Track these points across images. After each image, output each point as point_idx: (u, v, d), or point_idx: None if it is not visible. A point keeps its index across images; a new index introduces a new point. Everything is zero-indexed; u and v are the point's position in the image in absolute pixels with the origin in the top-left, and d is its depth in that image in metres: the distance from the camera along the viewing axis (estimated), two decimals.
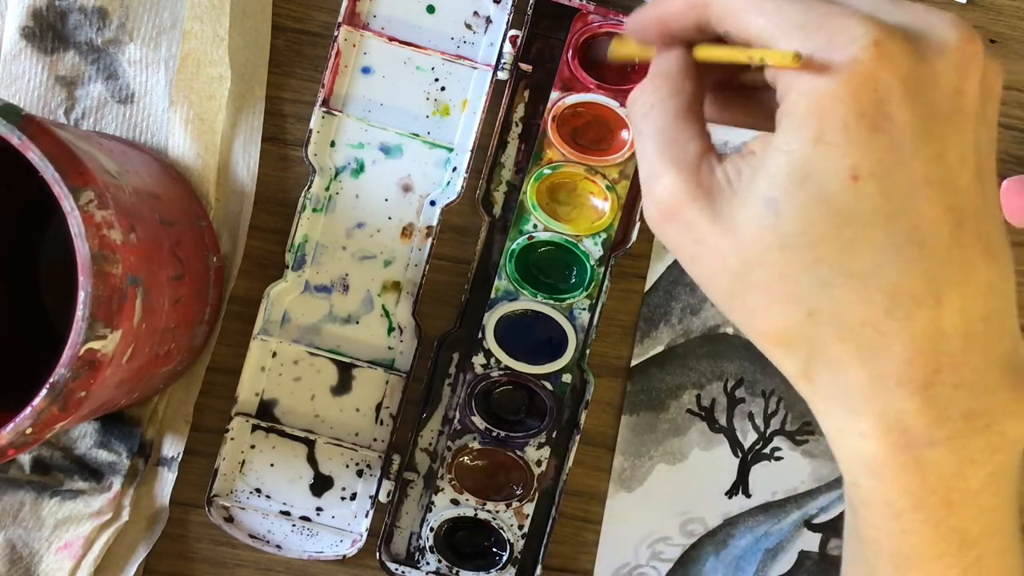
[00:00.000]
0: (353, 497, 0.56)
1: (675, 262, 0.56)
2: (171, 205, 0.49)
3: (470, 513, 0.55)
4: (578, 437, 0.55)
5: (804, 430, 0.57)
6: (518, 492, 0.55)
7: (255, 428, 0.55)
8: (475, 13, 0.54)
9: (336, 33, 0.53)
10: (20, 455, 0.54)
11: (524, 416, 0.55)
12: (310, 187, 0.54)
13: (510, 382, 0.55)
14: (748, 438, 0.57)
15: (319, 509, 0.56)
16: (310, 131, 0.54)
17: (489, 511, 0.55)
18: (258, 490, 0.56)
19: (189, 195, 0.53)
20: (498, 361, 0.54)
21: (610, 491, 0.57)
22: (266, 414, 0.55)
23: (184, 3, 0.52)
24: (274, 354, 0.55)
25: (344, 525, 0.56)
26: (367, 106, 0.55)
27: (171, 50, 0.53)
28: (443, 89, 0.55)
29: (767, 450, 0.57)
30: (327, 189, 0.55)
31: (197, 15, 0.52)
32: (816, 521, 0.57)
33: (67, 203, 0.40)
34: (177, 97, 0.53)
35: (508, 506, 0.55)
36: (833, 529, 0.57)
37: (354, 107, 0.55)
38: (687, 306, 0.56)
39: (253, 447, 0.55)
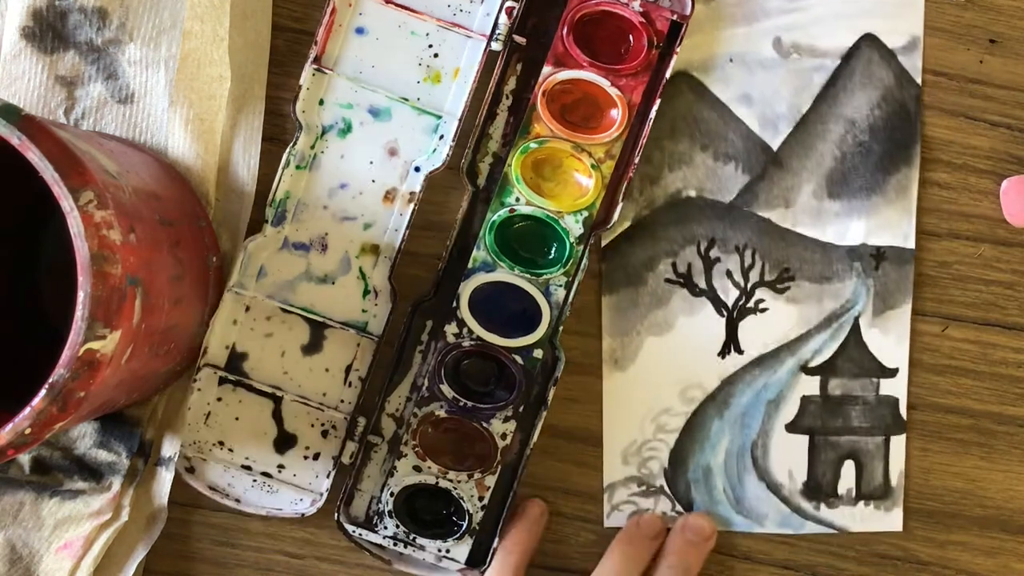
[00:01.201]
0: (316, 457, 0.56)
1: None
2: (171, 205, 0.49)
3: (432, 481, 0.55)
4: (545, 413, 0.55)
5: (784, 277, 0.57)
6: (481, 464, 0.55)
7: (223, 381, 0.55)
8: None
9: None
10: (19, 455, 0.54)
11: (493, 388, 0.55)
12: (295, 143, 0.54)
13: (481, 353, 0.54)
14: (730, 296, 0.57)
15: (281, 466, 0.56)
16: (299, 87, 0.53)
17: (451, 480, 0.55)
18: (221, 443, 0.55)
19: (189, 195, 0.53)
20: (470, 331, 0.54)
21: (604, 373, 0.57)
22: (234, 367, 0.55)
23: (184, 3, 0.52)
24: (247, 308, 0.55)
25: (305, 484, 0.56)
26: (359, 67, 0.54)
27: (171, 50, 0.53)
28: (436, 56, 0.54)
29: (751, 304, 0.57)
30: (312, 147, 0.54)
31: (197, 15, 0.52)
32: (812, 365, 0.57)
33: (67, 203, 0.40)
34: (177, 97, 0.53)
35: (470, 477, 0.55)
36: (830, 369, 0.57)
37: (345, 67, 0.54)
38: (645, 176, 0.56)
39: (220, 400, 0.55)
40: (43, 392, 0.40)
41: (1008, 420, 0.58)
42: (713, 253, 0.56)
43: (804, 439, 0.57)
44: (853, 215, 0.56)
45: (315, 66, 0.54)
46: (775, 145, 0.56)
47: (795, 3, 0.55)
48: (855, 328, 0.57)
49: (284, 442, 0.56)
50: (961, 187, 0.57)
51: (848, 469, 0.58)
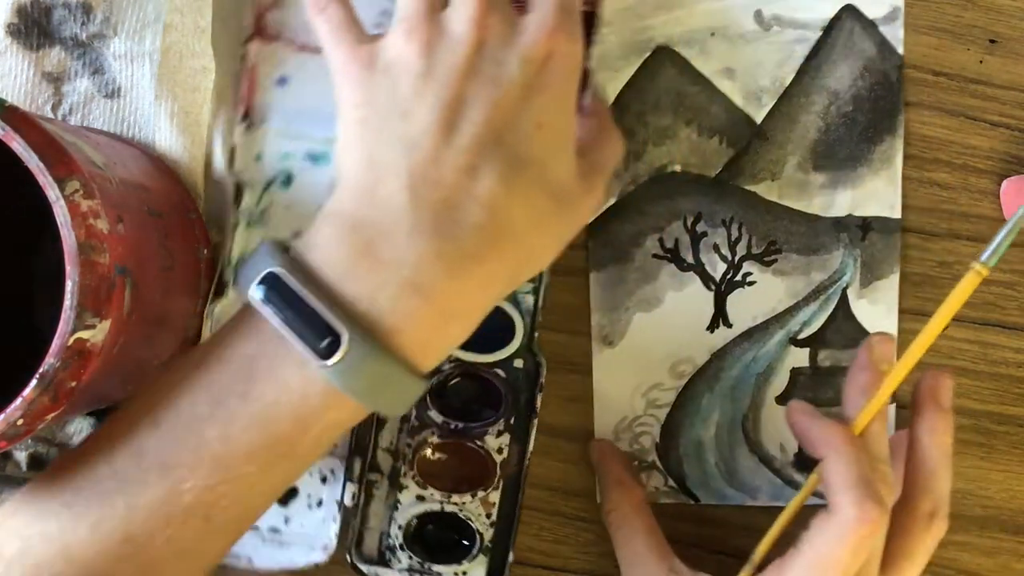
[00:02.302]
0: (320, 504, 0.56)
1: (610, 110, 0.55)
2: (160, 197, 0.49)
3: (436, 507, 0.55)
4: (536, 421, 0.55)
5: (771, 250, 0.57)
6: (483, 482, 0.55)
7: None
8: (384, 12, 0.54)
9: (247, 48, 0.54)
10: (16, 453, 0.54)
11: (481, 406, 0.55)
12: (240, 203, 0.54)
13: (463, 373, 0.55)
14: (718, 270, 0.57)
15: (287, 519, 0.56)
16: (233, 147, 0.54)
17: (455, 503, 0.55)
18: None
19: (178, 188, 0.53)
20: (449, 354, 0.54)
21: (594, 350, 0.57)
22: None
23: None
24: None
25: (314, 532, 0.56)
26: (288, 116, 0.55)
27: (155, 43, 0.53)
28: None
29: (739, 277, 0.57)
30: (258, 203, 0.55)
31: (177, 7, 0.52)
32: (801, 336, 0.57)
33: (52, 192, 0.40)
34: (161, 91, 0.53)
35: (474, 496, 0.55)
36: (820, 341, 0.57)
37: (275, 119, 0.55)
38: (630, 152, 0.56)
39: None
40: (34, 382, 0.40)
41: (1008, 420, 0.58)
42: (699, 227, 0.56)
43: None
44: (839, 186, 0.56)
45: (245, 124, 0.54)
46: (759, 118, 0.56)
47: None
48: (843, 299, 0.57)
49: (286, 494, 0.56)
50: (961, 187, 0.57)
51: None
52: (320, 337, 0.39)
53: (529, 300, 0.54)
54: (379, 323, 0.40)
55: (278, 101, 0.54)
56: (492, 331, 0.54)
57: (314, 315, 0.39)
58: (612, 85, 0.56)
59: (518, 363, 0.54)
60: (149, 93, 0.53)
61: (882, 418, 0.48)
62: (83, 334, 0.40)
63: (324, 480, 0.56)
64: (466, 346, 0.53)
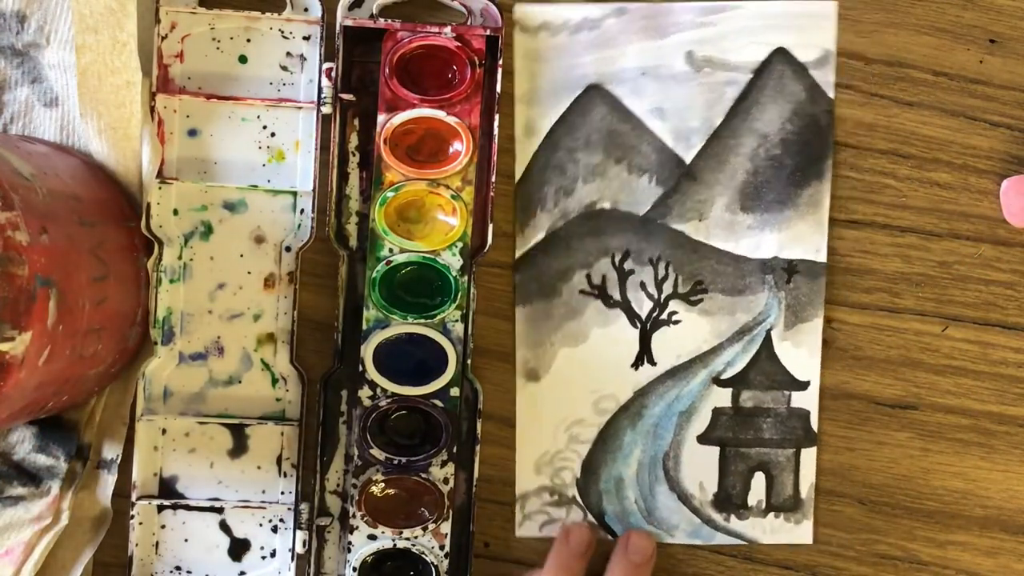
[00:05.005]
0: (273, 554, 0.56)
1: (542, 145, 0.55)
2: (93, 206, 0.49)
3: (389, 544, 0.54)
4: (479, 447, 0.54)
5: (697, 289, 0.56)
6: (432, 514, 0.54)
7: (161, 508, 0.55)
8: (288, 54, 0.54)
9: (153, 103, 0.53)
10: None
11: (423, 438, 0.54)
12: (161, 259, 0.53)
13: (401, 408, 0.54)
14: (644, 308, 0.56)
15: (242, 573, 0.56)
16: (148, 204, 0.53)
17: (408, 539, 0.54)
18: (178, 568, 0.56)
19: (117, 196, 0.52)
20: (384, 390, 0.53)
21: (518, 384, 0.56)
22: (169, 492, 0.55)
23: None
24: (163, 431, 0.55)
25: None
26: (201, 167, 0.54)
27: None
28: (273, 135, 0.54)
29: (664, 316, 0.56)
30: (179, 257, 0.54)
31: (89, 27, 0.51)
32: (724, 377, 0.57)
33: None
34: (85, 110, 0.52)
35: (425, 529, 0.54)
36: (743, 382, 0.57)
37: (188, 171, 0.54)
38: (560, 188, 0.56)
39: (164, 527, 0.55)
40: None
41: (1008, 420, 0.57)
42: (627, 265, 0.56)
43: (715, 451, 0.57)
44: (766, 228, 0.56)
45: (159, 180, 0.54)
46: (688, 158, 0.56)
47: (707, 17, 0.55)
48: (767, 341, 0.57)
49: (238, 549, 0.56)
50: (961, 187, 0.56)
51: (758, 481, 0.57)
52: None
53: (459, 328, 0.53)
54: None
55: (190, 153, 0.54)
56: (425, 362, 0.53)
57: None
58: (543, 122, 0.55)
59: (454, 392, 0.53)
60: (77, 108, 0.53)
61: None
62: (2, 347, 0.40)
63: (275, 530, 0.55)
64: (401, 379, 0.53)
